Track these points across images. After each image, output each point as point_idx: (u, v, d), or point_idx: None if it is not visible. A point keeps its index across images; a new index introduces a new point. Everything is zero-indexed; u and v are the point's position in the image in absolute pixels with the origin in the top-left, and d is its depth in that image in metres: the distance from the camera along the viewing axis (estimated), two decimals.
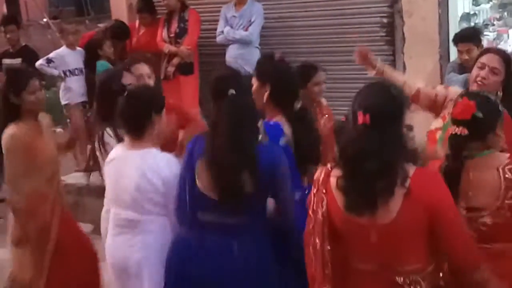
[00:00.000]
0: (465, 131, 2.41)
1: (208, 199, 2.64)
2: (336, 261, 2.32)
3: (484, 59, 3.21)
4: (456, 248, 2.21)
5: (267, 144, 2.72)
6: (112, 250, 3.06)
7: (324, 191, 2.30)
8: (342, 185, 2.21)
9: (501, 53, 3.28)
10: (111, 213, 3.07)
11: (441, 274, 2.27)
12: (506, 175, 2.38)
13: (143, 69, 3.73)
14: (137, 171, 2.89)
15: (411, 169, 2.17)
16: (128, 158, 2.95)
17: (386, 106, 2.19)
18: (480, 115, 2.41)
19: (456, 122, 2.45)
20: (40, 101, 3.63)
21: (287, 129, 2.92)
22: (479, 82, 3.15)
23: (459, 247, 2.20)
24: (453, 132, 2.45)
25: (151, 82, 3.74)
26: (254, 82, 3.04)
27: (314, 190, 2.35)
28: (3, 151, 3.53)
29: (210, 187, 2.62)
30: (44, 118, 3.75)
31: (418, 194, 2.14)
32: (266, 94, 2.97)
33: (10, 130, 3.52)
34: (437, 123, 3.26)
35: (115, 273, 3.07)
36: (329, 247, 2.31)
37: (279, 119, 2.96)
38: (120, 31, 6.34)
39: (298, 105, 3.03)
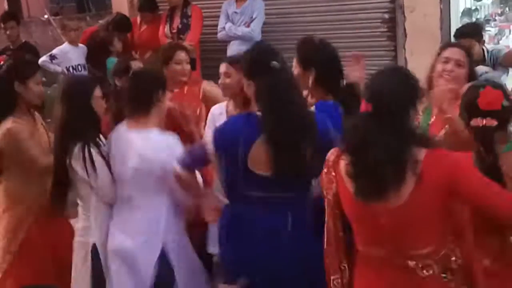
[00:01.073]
0: (494, 122, 2.35)
1: (260, 177, 2.67)
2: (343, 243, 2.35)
3: (447, 53, 3.20)
4: (495, 205, 2.14)
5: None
6: (111, 236, 3.11)
7: (333, 173, 2.31)
8: (350, 172, 2.21)
9: (462, 46, 3.29)
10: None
11: (453, 258, 2.25)
12: None
13: (183, 55, 4.02)
14: (137, 151, 2.95)
15: (421, 153, 2.13)
16: (129, 137, 2.99)
17: (391, 95, 2.15)
18: (507, 103, 2.36)
19: (483, 113, 2.37)
20: (41, 94, 3.59)
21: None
22: (446, 76, 3.13)
23: (497, 202, 2.14)
24: (480, 125, 2.37)
25: (188, 67, 4.00)
26: (296, 68, 3.06)
27: (325, 170, 2.36)
28: (6, 147, 3.42)
29: (266, 165, 2.64)
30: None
31: (430, 177, 2.11)
32: (311, 78, 3.00)
33: (8, 124, 3.43)
34: None
35: (116, 259, 3.10)
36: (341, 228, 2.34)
37: (331, 100, 3.00)
38: (123, 24, 6.33)
39: (343, 82, 3.08)
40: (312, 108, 2.95)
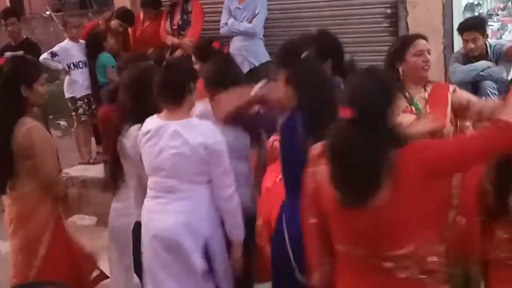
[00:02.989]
0: None
1: None
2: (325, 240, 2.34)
3: (417, 46, 3.29)
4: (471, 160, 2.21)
5: None
6: (150, 222, 3.10)
7: (314, 169, 2.30)
8: (332, 179, 2.19)
9: (422, 36, 3.38)
10: (149, 183, 3.12)
11: (430, 259, 2.20)
12: None
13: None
14: (179, 140, 2.97)
15: (396, 154, 2.11)
16: (168, 127, 3.02)
17: (371, 99, 2.14)
18: None
19: None
20: (46, 94, 3.61)
21: None
22: (426, 67, 3.27)
23: (470, 157, 2.19)
24: None
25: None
26: None
27: (309, 165, 2.35)
28: (31, 146, 3.34)
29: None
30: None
31: (405, 176, 2.09)
32: (329, 68, 3.17)
33: (29, 124, 3.38)
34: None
35: (156, 246, 3.09)
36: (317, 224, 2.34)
37: None
38: (127, 15, 6.35)
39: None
40: None
